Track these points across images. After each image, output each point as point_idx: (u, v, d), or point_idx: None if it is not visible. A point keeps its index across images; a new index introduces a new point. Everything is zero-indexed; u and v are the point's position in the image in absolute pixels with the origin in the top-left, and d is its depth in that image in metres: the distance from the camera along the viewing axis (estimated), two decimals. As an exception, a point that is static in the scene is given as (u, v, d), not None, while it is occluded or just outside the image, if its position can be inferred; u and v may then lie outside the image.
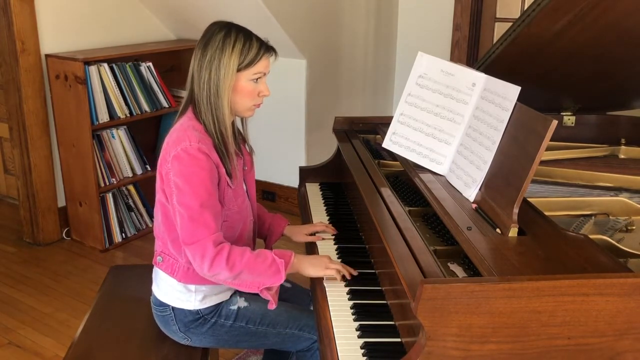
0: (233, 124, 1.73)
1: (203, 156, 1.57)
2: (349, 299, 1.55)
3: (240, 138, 1.81)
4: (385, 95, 4.31)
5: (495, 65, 2.00)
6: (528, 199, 1.55)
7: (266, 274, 1.59)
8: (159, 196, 1.68)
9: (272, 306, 1.63)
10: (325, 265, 1.64)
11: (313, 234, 1.93)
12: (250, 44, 1.62)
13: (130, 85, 3.42)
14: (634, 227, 1.59)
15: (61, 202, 3.50)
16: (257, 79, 1.65)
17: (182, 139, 1.58)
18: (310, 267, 1.65)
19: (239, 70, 1.61)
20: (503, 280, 1.11)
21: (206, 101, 1.62)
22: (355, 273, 1.64)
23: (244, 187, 1.78)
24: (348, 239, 1.88)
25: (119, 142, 3.42)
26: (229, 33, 1.61)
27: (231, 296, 1.76)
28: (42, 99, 3.30)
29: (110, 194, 3.39)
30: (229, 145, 1.65)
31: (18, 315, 2.77)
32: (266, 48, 1.65)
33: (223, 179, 1.64)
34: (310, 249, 1.88)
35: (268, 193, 3.98)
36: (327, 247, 1.85)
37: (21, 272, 3.16)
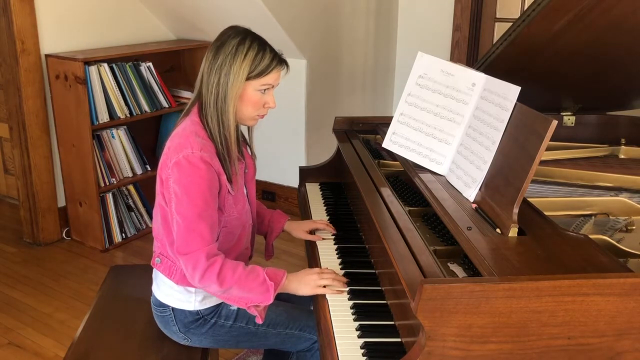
0: (237, 129, 1.72)
1: (204, 165, 1.55)
2: (349, 299, 1.55)
3: (244, 142, 1.80)
4: (385, 95, 4.31)
5: (495, 65, 2.00)
6: (528, 199, 1.55)
7: (256, 291, 1.58)
8: (158, 199, 1.67)
9: (259, 321, 1.62)
10: (315, 283, 1.61)
11: (313, 232, 1.93)
12: (263, 55, 1.60)
13: (130, 85, 3.41)
14: (634, 227, 1.60)
15: (61, 202, 3.50)
16: (264, 90, 1.63)
17: (184, 146, 1.57)
18: (301, 287, 1.62)
19: (248, 79, 1.59)
20: (503, 280, 1.11)
21: (213, 104, 1.60)
22: (345, 286, 1.61)
23: (245, 191, 1.77)
24: (348, 239, 1.88)
25: (119, 142, 3.42)
26: (243, 40, 1.59)
27: (231, 296, 1.76)
28: (42, 99, 3.30)
29: (110, 194, 3.40)
30: (232, 151, 1.63)
31: (18, 315, 2.77)
32: (279, 61, 1.63)
33: (224, 187, 1.62)
34: (310, 247, 1.89)
35: (268, 193, 3.98)
36: (327, 247, 1.85)
37: (21, 272, 3.16)
